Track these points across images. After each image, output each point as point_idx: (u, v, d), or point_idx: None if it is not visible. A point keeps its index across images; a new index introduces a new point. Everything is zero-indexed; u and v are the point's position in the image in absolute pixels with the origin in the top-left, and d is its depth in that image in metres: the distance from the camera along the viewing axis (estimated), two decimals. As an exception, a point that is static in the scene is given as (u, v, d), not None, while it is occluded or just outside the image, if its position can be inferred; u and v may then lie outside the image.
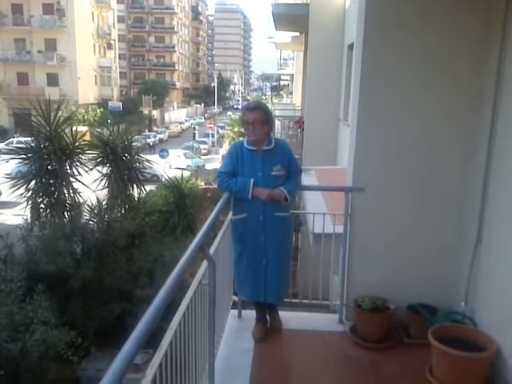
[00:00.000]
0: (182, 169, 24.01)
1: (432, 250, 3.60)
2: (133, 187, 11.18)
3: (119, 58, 54.13)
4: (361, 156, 3.57)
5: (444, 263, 3.58)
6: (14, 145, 14.16)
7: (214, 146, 41.84)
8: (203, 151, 38.62)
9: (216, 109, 57.45)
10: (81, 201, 10.10)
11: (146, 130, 45.48)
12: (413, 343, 3.40)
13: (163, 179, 14.30)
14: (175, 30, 66.23)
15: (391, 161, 3.53)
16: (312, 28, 11.56)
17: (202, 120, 59.54)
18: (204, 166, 30.93)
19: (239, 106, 66.10)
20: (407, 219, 3.59)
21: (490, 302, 3.14)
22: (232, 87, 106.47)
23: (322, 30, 11.33)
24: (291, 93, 35.51)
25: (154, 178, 19.84)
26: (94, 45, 46.01)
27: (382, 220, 3.61)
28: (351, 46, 9.76)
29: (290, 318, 3.77)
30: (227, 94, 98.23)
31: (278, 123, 14.16)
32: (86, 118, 35.41)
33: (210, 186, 19.72)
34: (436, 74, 3.39)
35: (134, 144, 11.91)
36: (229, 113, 62.19)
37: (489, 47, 3.24)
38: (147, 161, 11.73)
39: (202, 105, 74.84)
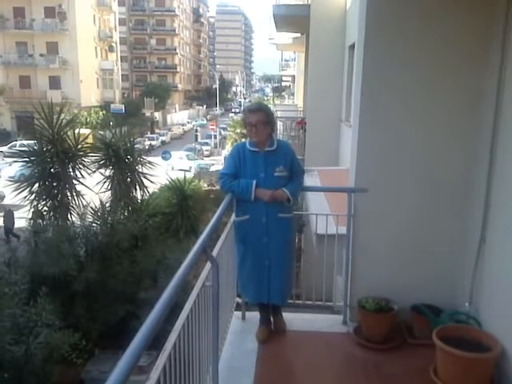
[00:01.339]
0: (185, 170, 24.02)
1: (436, 251, 3.59)
2: (136, 189, 11.19)
3: (121, 61, 54.18)
4: (363, 156, 3.57)
5: (448, 263, 3.57)
6: (17, 148, 14.17)
7: (216, 147, 41.88)
8: (205, 153, 38.68)
9: (218, 110, 57.50)
10: (84, 203, 10.10)
11: (149, 132, 45.56)
12: (417, 344, 3.39)
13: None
14: (176, 32, 66.30)
15: (394, 161, 3.53)
16: (313, 29, 11.57)
17: (204, 122, 59.63)
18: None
19: (237, 110, 66.12)
20: (410, 220, 3.59)
21: (494, 302, 3.13)
22: (234, 89, 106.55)
23: (323, 31, 11.34)
24: (293, 94, 35.54)
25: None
26: (96, 48, 46.10)
27: (385, 220, 3.61)
28: (352, 47, 9.76)
29: (293, 319, 3.76)
30: (229, 96, 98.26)
31: (279, 124, 14.16)
32: (88, 120, 35.51)
33: (213, 188, 19.72)
34: (437, 74, 3.38)
35: (136, 146, 11.92)
36: (231, 114, 62.20)
37: (490, 48, 3.24)
38: (150, 163, 11.73)
39: (204, 106, 74.87)
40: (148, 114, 49.09)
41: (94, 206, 9.73)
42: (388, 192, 3.57)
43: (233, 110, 72.53)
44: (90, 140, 11.85)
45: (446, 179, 3.51)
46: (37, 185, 10.05)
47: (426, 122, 3.45)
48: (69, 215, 10.11)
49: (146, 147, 34.36)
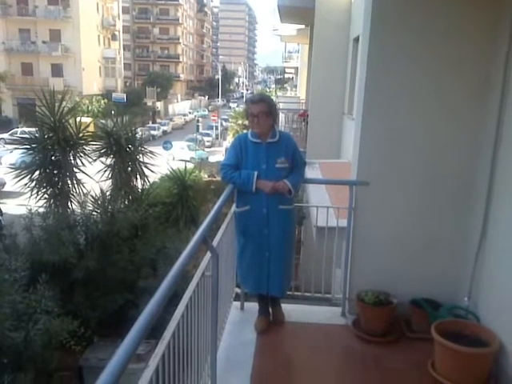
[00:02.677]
0: (186, 161, 23.99)
1: (436, 245, 3.58)
2: (136, 178, 11.18)
3: (123, 50, 53.91)
4: (365, 150, 3.55)
5: (448, 258, 3.57)
6: (19, 135, 14.14)
7: (217, 138, 41.79)
8: (207, 143, 38.61)
9: (220, 101, 57.31)
10: (84, 191, 10.10)
11: (150, 122, 45.46)
12: (415, 338, 3.39)
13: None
14: (180, 21, 65.87)
15: (396, 155, 3.51)
16: (318, 21, 11.49)
17: (206, 112, 59.46)
18: (207, 158, 30.93)
19: (235, 102, 65.76)
20: (411, 214, 3.58)
21: (493, 297, 3.13)
22: (236, 80, 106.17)
23: (327, 23, 11.27)
24: (295, 86, 35.36)
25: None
26: (99, 36, 45.88)
27: (386, 214, 3.60)
28: (357, 40, 9.70)
29: (292, 310, 3.77)
30: (231, 87, 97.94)
31: (282, 116, 14.11)
32: (89, 108, 35.40)
33: (214, 179, 19.73)
34: (442, 67, 3.36)
35: (137, 135, 11.89)
36: (231, 104, 61.94)
37: (496, 41, 3.21)
38: (151, 152, 11.71)
39: (206, 97, 74.65)
40: (150, 103, 48.94)
41: (94, 195, 9.73)
42: (390, 186, 3.56)
43: (231, 100, 71.61)
44: (91, 128, 11.83)
45: (449, 174, 3.49)
46: (37, 172, 10.03)
47: (430, 115, 3.42)
48: (69, 203, 10.11)
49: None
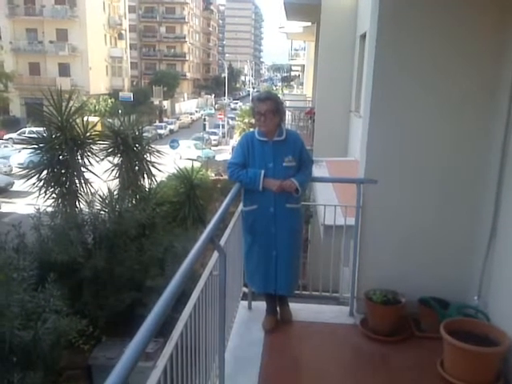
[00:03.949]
0: (193, 160, 24.02)
1: (445, 244, 3.55)
2: (143, 177, 11.21)
3: (130, 49, 54.03)
4: (373, 147, 3.52)
5: (457, 257, 3.54)
6: (26, 135, 14.23)
7: (224, 136, 41.81)
8: (213, 142, 38.66)
9: (226, 100, 57.26)
10: (92, 191, 10.14)
11: (157, 121, 45.57)
12: (424, 337, 3.37)
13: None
14: (186, 20, 65.97)
15: (404, 152, 3.48)
16: (324, 18, 11.45)
17: (213, 111, 59.47)
18: (214, 156, 30.95)
19: (237, 103, 65.44)
20: (420, 212, 3.55)
21: (503, 296, 3.10)
22: (242, 78, 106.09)
23: (334, 20, 11.22)
24: (302, 83, 35.27)
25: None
26: (105, 35, 46.01)
27: (394, 212, 3.57)
28: (363, 37, 9.65)
29: (300, 309, 3.76)
30: (237, 85, 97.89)
31: (288, 114, 14.08)
32: (97, 108, 35.57)
33: (221, 177, 19.76)
34: (453, 61, 3.31)
35: (144, 135, 11.92)
36: (232, 105, 61.79)
37: (507, 32, 3.16)
38: (158, 151, 11.74)
39: (213, 95, 74.70)
40: (156, 102, 49.05)
41: (102, 194, 9.76)
42: (398, 183, 3.53)
43: (233, 101, 70.85)
44: (98, 128, 11.88)
45: (457, 171, 3.46)
46: (45, 172, 10.09)
47: (438, 111, 3.38)
48: (77, 202, 10.15)
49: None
